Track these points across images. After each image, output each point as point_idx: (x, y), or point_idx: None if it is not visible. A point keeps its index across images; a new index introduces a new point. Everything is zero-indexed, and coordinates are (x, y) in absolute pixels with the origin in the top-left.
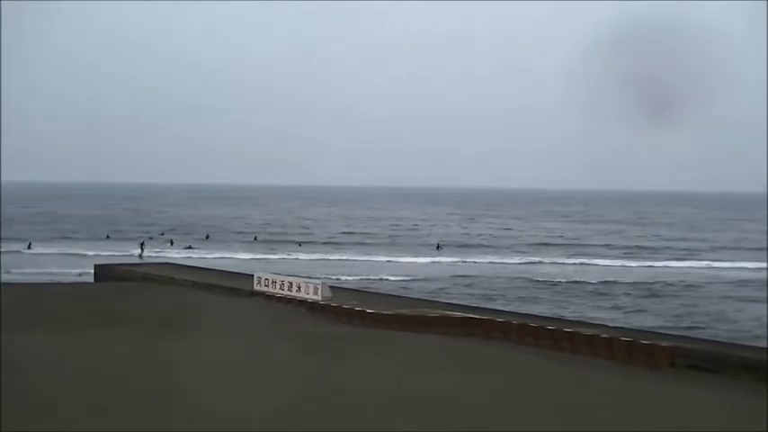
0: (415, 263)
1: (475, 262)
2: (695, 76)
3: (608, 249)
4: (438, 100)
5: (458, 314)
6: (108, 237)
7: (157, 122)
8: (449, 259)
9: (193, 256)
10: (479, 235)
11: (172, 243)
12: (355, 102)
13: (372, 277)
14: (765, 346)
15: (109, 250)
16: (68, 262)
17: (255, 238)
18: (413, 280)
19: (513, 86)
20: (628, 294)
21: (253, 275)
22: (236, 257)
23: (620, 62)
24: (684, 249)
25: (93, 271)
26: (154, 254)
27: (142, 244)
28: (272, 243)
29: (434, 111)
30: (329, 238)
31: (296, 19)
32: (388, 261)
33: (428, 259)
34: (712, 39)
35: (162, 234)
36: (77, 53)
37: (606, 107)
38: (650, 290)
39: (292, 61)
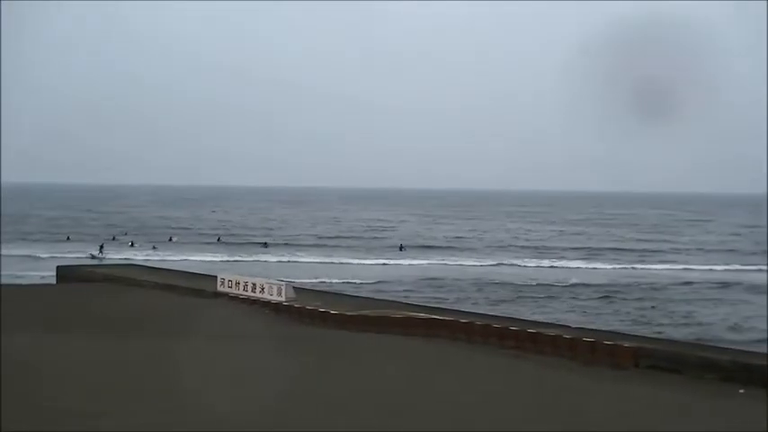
0: (377, 265)
1: (445, 264)
2: (689, 76)
3: (565, 251)
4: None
5: (421, 315)
6: (68, 238)
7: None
8: (413, 261)
9: (155, 257)
10: (445, 237)
11: (132, 244)
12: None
13: (336, 281)
14: (727, 347)
15: (68, 252)
16: (26, 264)
17: (219, 239)
18: (378, 282)
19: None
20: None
21: (216, 277)
22: (201, 259)
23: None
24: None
25: (55, 273)
26: (116, 255)
27: (101, 246)
28: (235, 245)
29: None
30: (292, 239)
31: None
32: (346, 264)
33: (391, 261)
34: (712, 40)
35: (125, 234)
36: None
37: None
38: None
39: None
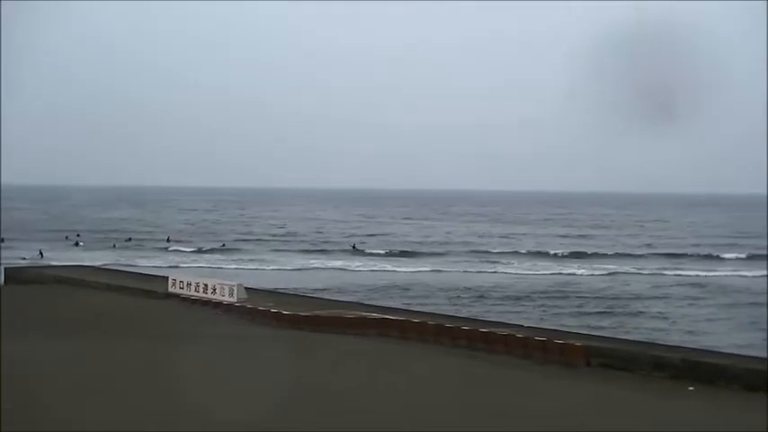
0: (327, 267)
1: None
2: (687, 78)
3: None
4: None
5: (374, 315)
6: (2, 240)
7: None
8: (364, 264)
9: (104, 260)
10: (405, 237)
11: (77, 244)
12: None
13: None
14: (677, 345)
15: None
16: None
17: (168, 239)
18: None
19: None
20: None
21: (167, 277)
22: (150, 262)
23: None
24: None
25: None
26: (62, 257)
27: (41, 250)
28: (182, 246)
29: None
30: (237, 240)
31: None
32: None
33: (340, 262)
34: (711, 40)
35: (78, 235)
36: None
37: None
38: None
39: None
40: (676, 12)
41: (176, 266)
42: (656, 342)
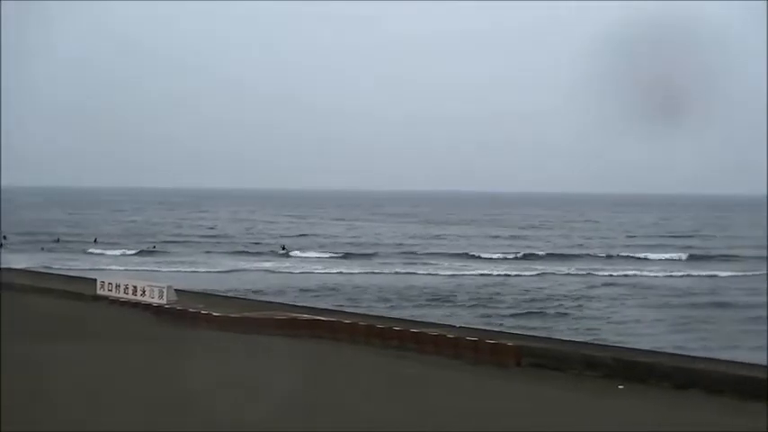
0: (257, 268)
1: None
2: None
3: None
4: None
5: (305, 316)
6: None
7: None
8: (294, 265)
9: (31, 262)
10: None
11: (0, 246)
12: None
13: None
14: (607, 345)
15: None
16: None
17: (95, 241)
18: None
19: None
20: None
21: (96, 280)
22: (79, 264)
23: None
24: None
25: None
26: None
27: None
28: (111, 249)
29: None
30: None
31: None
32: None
33: (270, 264)
34: (711, 40)
35: (5, 238)
36: None
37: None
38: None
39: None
40: (675, 11)
41: (105, 269)
42: (587, 341)
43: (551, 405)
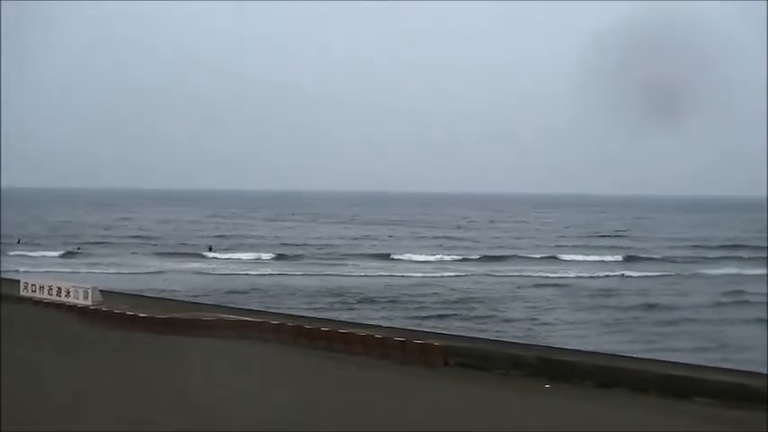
0: (184, 269)
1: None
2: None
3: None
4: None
5: (232, 317)
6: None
7: None
8: (221, 266)
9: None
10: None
11: None
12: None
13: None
14: (532, 344)
15: None
16: None
17: (18, 242)
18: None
19: None
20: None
21: (19, 281)
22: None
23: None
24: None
25: None
26: None
27: None
28: (34, 250)
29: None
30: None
31: None
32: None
33: (197, 264)
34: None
35: None
36: None
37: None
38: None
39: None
40: (676, 12)
41: (28, 270)
42: (512, 341)
43: (478, 404)
